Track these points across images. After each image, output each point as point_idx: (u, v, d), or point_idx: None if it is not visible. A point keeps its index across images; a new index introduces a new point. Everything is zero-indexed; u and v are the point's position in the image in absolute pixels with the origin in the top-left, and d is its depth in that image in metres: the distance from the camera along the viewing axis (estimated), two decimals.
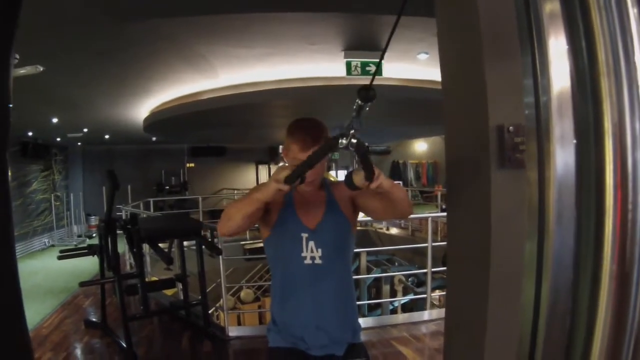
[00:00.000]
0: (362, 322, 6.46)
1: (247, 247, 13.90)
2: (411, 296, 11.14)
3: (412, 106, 11.37)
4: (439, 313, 6.65)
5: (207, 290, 6.43)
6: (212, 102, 10.65)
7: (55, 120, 13.43)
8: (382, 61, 7.84)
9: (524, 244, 1.62)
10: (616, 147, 1.38)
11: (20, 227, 16.99)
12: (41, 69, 7.06)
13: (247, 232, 14.21)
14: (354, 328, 2.50)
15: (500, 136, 1.91)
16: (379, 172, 2.02)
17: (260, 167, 26.75)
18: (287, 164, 2.11)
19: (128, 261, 9.54)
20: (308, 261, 2.35)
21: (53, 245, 18.69)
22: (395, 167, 26.47)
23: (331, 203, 2.45)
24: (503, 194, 1.93)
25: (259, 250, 12.86)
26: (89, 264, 9.08)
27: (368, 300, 12.58)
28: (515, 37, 1.96)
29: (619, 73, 1.38)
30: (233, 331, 6.21)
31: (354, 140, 1.97)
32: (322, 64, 8.52)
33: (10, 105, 2.35)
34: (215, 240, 6.37)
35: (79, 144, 21.20)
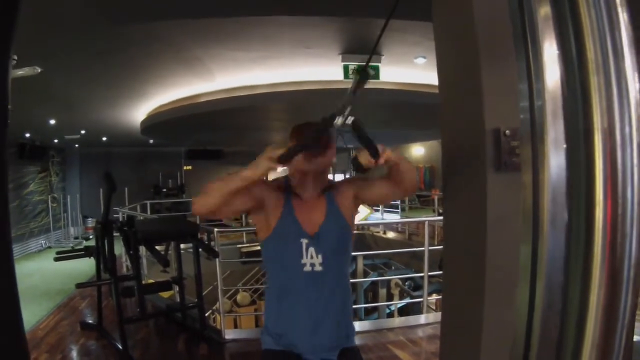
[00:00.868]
0: (359, 325, 6.50)
1: (244, 250, 13.90)
2: (408, 300, 11.15)
3: (409, 110, 11.39)
4: (436, 317, 6.64)
5: (204, 293, 6.43)
6: (209, 105, 10.65)
7: (52, 121, 13.43)
8: (379, 64, 7.85)
9: (520, 247, 1.62)
10: (606, 150, 1.39)
11: (16, 228, 16.96)
12: (39, 70, 7.06)
13: (244, 235, 14.23)
14: (348, 332, 2.49)
15: (496, 140, 1.92)
16: (383, 146, 2.03)
17: None
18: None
19: (125, 263, 9.52)
20: (307, 268, 2.31)
21: (50, 247, 18.68)
22: None
23: (332, 207, 2.41)
24: (499, 197, 1.94)
25: (256, 254, 12.85)
26: (86, 266, 9.07)
27: (365, 303, 12.59)
28: (511, 41, 1.97)
29: (609, 76, 1.39)
30: (229, 334, 6.21)
31: (350, 119, 1.98)
32: (318, 68, 8.52)
33: (9, 107, 2.35)
34: (212, 243, 6.37)
35: (77, 145, 21.20)
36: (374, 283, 12.99)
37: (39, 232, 19.11)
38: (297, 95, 9.52)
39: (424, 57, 7.80)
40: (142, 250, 7.44)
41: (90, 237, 19.49)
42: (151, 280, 7.81)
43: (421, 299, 7.06)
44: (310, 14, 5.84)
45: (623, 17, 1.41)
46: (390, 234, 16.10)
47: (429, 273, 6.85)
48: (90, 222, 20.61)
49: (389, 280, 12.26)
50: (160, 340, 6.42)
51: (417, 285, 12.28)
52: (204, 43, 7.02)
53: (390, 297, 12.27)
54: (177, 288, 6.69)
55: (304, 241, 2.32)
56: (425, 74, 8.81)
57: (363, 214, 13.76)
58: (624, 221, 1.40)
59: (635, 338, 1.72)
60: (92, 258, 6.41)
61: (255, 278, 14.34)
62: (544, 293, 1.48)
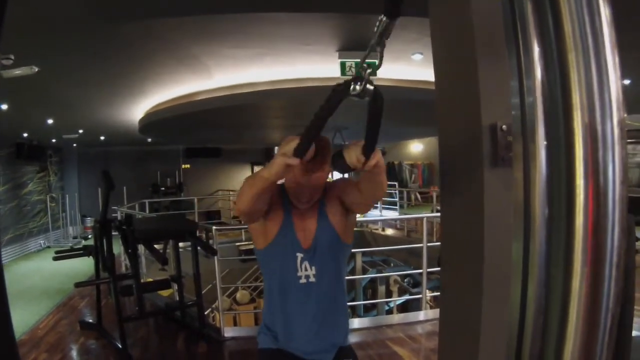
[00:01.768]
0: (358, 322, 6.52)
1: (243, 248, 13.89)
2: (407, 297, 11.15)
3: (407, 107, 11.36)
4: (435, 313, 6.66)
5: (203, 292, 6.44)
6: (207, 103, 10.63)
7: (50, 121, 13.39)
8: (376, 61, 7.83)
9: (512, 244, 1.64)
10: (587, 147, 1.40)
11: (15, 228, 16.98)
12: (36, 70, 7.05)
13: (243, 233, 14.23)
14: (343, 334, 2.53)
15: (493, 135, 1.91)
16: (377, 149, 1.83)
17: (255, 168, 26.74)
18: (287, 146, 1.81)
19: (123, 262, 9.53)
20: (303, 280, 2.35)
21: (49, 247, 18.68)
22: (391, 168, 26.51)
23: (322, 215, 2.41)
24: (495, 193, 1.94)
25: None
26: (85, 265, 9.08)
27: (364, 301, 12.58)
28: (510, 35, 1.97)
29: (590, 74, 1.40)
30: (228, 332, 6.22)
31: (370, 87, 1.66)
32: (316, 65, 8.51)
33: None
34: (211, 241, 6.38)
35: (75, 145, 21.18)
36: (372, 280, 12.98)
37: (38, 232, 19.10)
38: (296, 92, 9.50)
39: (421, 54, 7.79)
40: (141, 248, 7.45)
41: (89, 236, 19.49)
42: (150, 279, 7.82)
43: (420, 296, 7.07)
44: (308, 10, 5.84)
45: (605, 13, 1.42)
46: (389, 231, 16.11)
47: (428, 270, 6.87)
48: (89, 221, 20.60)
49: (387, 277, 12.25)
50: (160, 339, 6.44)
51: (416, 282, 12.28)
52: (201, 41, 7.01)
53: (389, 294, 12.26)
54: (176, 286, 6.70)
55: (299, 255, 2.35)
56: (422, 71, 8.80)
57: None
58: (605, 216, 1.41)
59: (635, 333, 1.72)
60: (90, 257, 6.41)
61: (254, 276, 14.33)
62: (535, 289, 1.49)
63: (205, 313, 7.16)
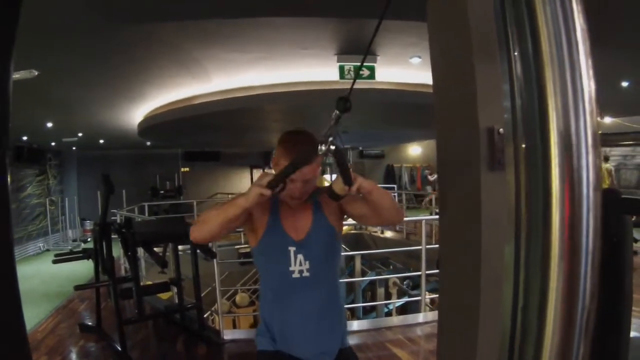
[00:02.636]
0: (357, 324, 6.53)
1: (242, 251, 13.88)
2: (406, 299, 11.16)
3: (405, 110, 11.40)
4: (434, 315, 6.67)
5: (202, 295, 6.45)
6: (206, 107, 10.64)
7: (49, 124, 13.41)
8: (375, 64, 7.87)
9: (505, 245, 1.66)
10: (562, 149, 1.43)
11: (15, 231, 16.82)
12: (35, 74, 7.07)
13: (242, 236, 14.24)
14: (340, 334, 2.53)
15: (490, 138, 1.93)
16: (356, 175, 2.12)
17: (254, 171, 26.75)
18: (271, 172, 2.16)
19: (123, 265, 9.52)
20: (296, 275, 2.36)
21: (48, 250, 18.64)
22: (390, 171, 26.53)
23: (318, 213, 2.45)
24: (492, 196, 1.96)
25: None
26: (84, 268, 9.08)
27: (363, 303, 12.59)
28: (502, 40, 1.99)
29: (564, 74, 1.43)
30: (228, 334, 6.23)
31: (332, 147, 2.12)
32: (315, 69, 8.54)
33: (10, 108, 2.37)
34: (210, 244, 6.39)
35: (74, 148, 21.15)
36: (372, 282, 12.99)
37: (37, 235, 19.08)
38: (294, 96, 9.52)
39: (419, 57, 7.81)
40: (140, 251, 7.45)
41: (89, 239, 19.46)
42: (149, 282, 7.82)
43: (419, 298, 7.09)
44: (306, 14, 5.86)
45: (577, 12, 1.45)
46: (388, 234, 16.12)
47: (427, 272, 6.88)
48: (88, 224, 20.56)
49: (387, 280, 12.27)
50: (159, 342, 6.45)
51: (415, 284, 12.29)
52: (201, 45, 7.03)
53: (388, 296, 12.28)
54: (175, 289, 6.71)
55: (292, 249, 2.37)
56: (420, 74, 8.83)
57: None
58: (579, 218, 1.44)
59: (633, 334, 1.74)
60: (90, 260, 6.42)
61: (253, 279, 14.33)
62: (522, 289, 1.51)
63: (205, 316, 7.17)
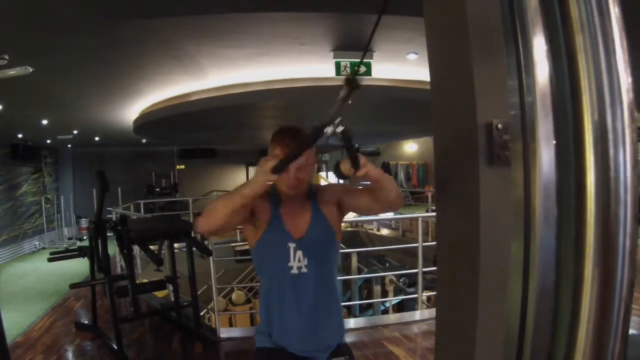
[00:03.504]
0: (354, 322, 6.52)
1: (238, 248, 13.86)
2: (402, 296, 11.16)
3: (402, 107, 11.37)
4: (430, 313, 6.68)
5: (199, 293, 6.43)
6: (202, 104, 10.61)
7: (45, 121, 13.36)
8: (371, 61, 7.85)
9: (511, 243, 1.63)
10: (597, 147, 1.39)
11: (10, 230, 16.95)
12: (30, 70, 7.03)
13: (238, 234, 14.22)
14: (338, 330, 2.55)
15: (488, 134, 1.92)
16: (366, 160, 2.05)
17: (250, 168, 26.75)
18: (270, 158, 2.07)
19: (119, 263, 9.51)
20: (295, 271, 2.38)
21: (44, 248, 18.65)
22: (386, 168, 26.52)
23: (317, 211, 2.47)
24: (491, 191, 1.94)
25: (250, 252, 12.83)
26: (80, 266, 9.07)
27: (359, 300, 12.59)
28: (502, 35, 1.97)
29: (599, 70, 1.39)
30: (224, 332, 6.21)
31: (340, 129, 1.99)
32: (311, 65, 8.51)
33: None
34: (206, 241, 6.37)
35: (69, 146, 21.15)
36: (368, 280, 13.00)
37: (33, 233, 19.07)
38: (290, 92, 9.49)
39: (416, 53, 7.79)
40: (136, 249, 7.43)
41: (84, 237, 19.48)
42: (145, 280, 7.80)
43: (416, 295, 7.07)
44: (303, 9, 5.83)
45: (614, 10, 1.41)
46: (384, 231, 16.14)
47: (423, 269, 6.87)
48: (84, 222, 20.55)
49: (383, 277, 12.28)
50: (155, 340, 6.42)
51: (411, 282, 12.30)
52: (197, 41, 7.00)
53: (384, 294, 12.28)
54: (171, 287, 6.68)
55: (291, 245, 2.39)
56: (417, 70, 8.80)
57: None
58: (616, 218, 1.41)
59: (630, 331, 1.72)
60: (85, 258, 6.40)
61: (250, 276, 14.33)
62: (536, 288, 1.48)
63: (201, 314, 7.15)
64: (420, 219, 7.44)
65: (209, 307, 7.26)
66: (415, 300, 7.25)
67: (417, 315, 6.72)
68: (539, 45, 1.50)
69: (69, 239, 20.59)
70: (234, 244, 13.85)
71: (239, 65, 8.54)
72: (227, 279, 12.64)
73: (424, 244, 6.91)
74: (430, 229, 12.79)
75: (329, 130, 1.98)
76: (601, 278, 1.43)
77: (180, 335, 6.40)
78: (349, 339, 2.75)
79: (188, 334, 6.36)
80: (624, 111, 1.38)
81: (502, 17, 1.60)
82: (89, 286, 6.52)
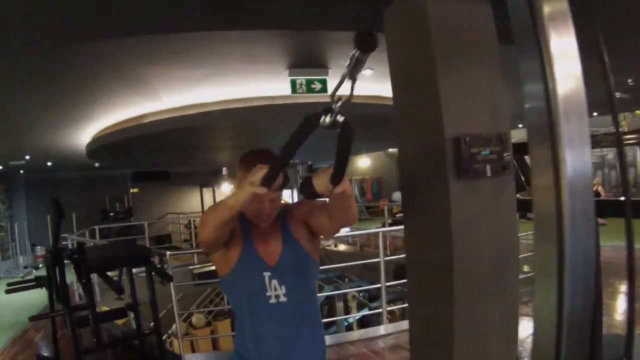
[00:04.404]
0: None
1: (196, 271, 13.72)
2: (366, 311, 11.16)
3: (357, 123, 11.34)
4: (395, 327, 6.69)
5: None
6: (155, 126, 10.48)
7: None
8: (326, 77, 7.85)
9: (538, 249, 1.62)
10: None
11: None
12: None
13: (195, 257, 14.08)
14: (321, 356, 2.49)
15: (457, 147, 1.92)
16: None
17: (204, 190, 26.57)
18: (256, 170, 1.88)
19: (77, 291, 9.32)
20: (273, 300, 2.30)
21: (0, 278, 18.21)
22: None
23: (287, 234, 2.39)
24: (462, 204, 1.95)
25: (209, 275, 12.68)
26: (38, 295, 8.81)
27: (322, 318, 12.56)
28: (469, 46, 1.98)
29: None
30: (189, 359, 6.11)
31: (340, 119, 1.79)
32: (266, 84, 8.49)
33: None
34: (165, 265, 6.27)
35: (21, 172, 20.73)
36: (329, 297, 12.97)
37: None
38: (246, 112, 9.44)
39: (372, 69, 7.82)
40: (94, 276, 7.28)
41: (40, 265, 19.09)
42: (105, 308, 7.64)
43: (381, 310, 7.06)
44: (255, 27, 5.79)
45: None
46: (342, 247, 16.16)
47: (387, 283, 6.88)
48: (39, 250, 20.17)
49: (345, 294, 12.27)
50: None
51: (372, 296, 12.32)
52: (148, 62, 6.91)
53: (347, 310, 12.27)
54: (132, 314, 6.54)
55: (266, 274, 2.30)
56: (372, 86, 8.84)
57: None
58: None
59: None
60: (44, 288, 6.24)
61: (209, 299, 14.18)
62: (570, 291, 1.47)
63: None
64: (380, 233, 7.45)
65: (170, 331, 7.16)
66: (377, 314, 7.24)
67: (382, 329, 6.71)
68: (563, 48, 1.49)
69: (25, 267, 20.14)
70: (192, 267, 13.72)
71: (192, 86, 8.47)
72: (186, 303, 12.48)
73: (386, 258, 6.93)
74: (387, 242, 12.83)
75: (326, 119, 1.78)
76: None
77: None
78: None
79: None
80: None
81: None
82: (48, 318, 6.35)
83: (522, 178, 3.10)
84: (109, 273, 5.88)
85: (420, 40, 2.04)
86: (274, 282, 2.29)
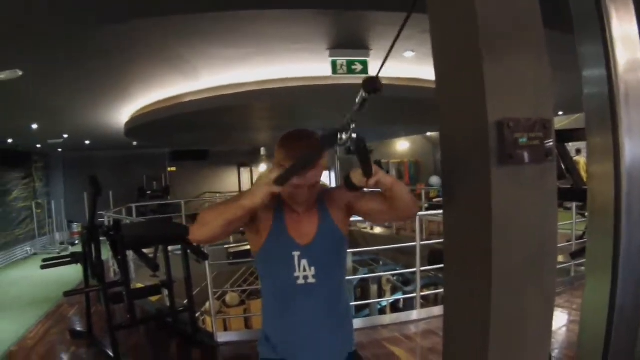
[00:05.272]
0: None
1: (232, 250, 13.82)
2: (400, 295, 11.13)
3: (397, 105, 11.30)
4: (428, 312, 6.65)
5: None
6: (194, 105, 10.54)
7: (34, 126, 13.25)
8: (368, 59, 7.79)
9: (592, 240, 1.57)
10: None
11: (1, 236, 16.84)
12: (20, 74, 6.94)
13: (231, 236, 14.16)
14: (348, 340, 2.46)
15: (500, 132, 1.86)
16: (377, 168, 2.00)
17: (242, 169, 26.70)
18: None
19: (112, 267, 9.42)
20: (301, 281, 2.26)
21: (35, 254, 18.55)
22: (378, 166, 26.47)
23: (325, 217, 2.35)
24: (504, 191, 1.89)
25: (243, 254, 12.80)
26: (73, 272, 8.95)
27: (355, 301, 12.55)
28: (513, 30, 1.91)
29: None
30: (222, 337, 6.13)
31: (354, 136, 1.92)
32: (306, 64, 8.45)
33: None
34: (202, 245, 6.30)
35: (60, 150, 21.01)
36: (363, 280, 12.96)
37: (25, 239, 18.99)
38: (285, 92, 9.43)
39: (413, 51, 7.72)
40: (130, 253, 7.35)
41: (76, 242, 19.40)
42: (140, 285, 7.71)
43: (414, 295, 7.02)
44: (298, 6, 5.75)
45: None
46: (378, 230, 16.10)
47: (422, 268, 6.83)
48: (76, 227, 20.49)
49: (379, 277, 12.26)
50: (152, 346, 6.34)
51: (405, 280, 12.28)
52: (188, 41, 6.90)
53: (381, 293, 12.25)
54: (166, 292, 6.59)
55: (296, 254, 2.26)
56: (413, 68, 8.75)
57: None
58: None
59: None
60: (79, 264, 6.30)
61: (243, 278, 14.28)
62: (622, 285, 1.42)
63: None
64: (417, 217, 7.38)
65: (203, 309, 7.19)
66: (410, 299, 7.20)
67: (415, 314, 6.67)
68: (627, 33, 1.42)
69: (61, 243, 20.51)
70: (227, 246, 13.80)
71: (232, 66, 8.47)
72: (220, 281, 12.57)
73: (421, 242, 6.86)
74: (424, 226, 12.76)
75: (342, 137, 1.93)
76: None
77: (178, 341, 6.32)
78: None
79: (185, 339, 6.27)
80: None
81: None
82: (82, 293, 6.42)
83: (563, 166, 3.03)
84: (144, 250, 5.93)
85: (465, 21, 1.98)
86: (304, 262, 2.25)
